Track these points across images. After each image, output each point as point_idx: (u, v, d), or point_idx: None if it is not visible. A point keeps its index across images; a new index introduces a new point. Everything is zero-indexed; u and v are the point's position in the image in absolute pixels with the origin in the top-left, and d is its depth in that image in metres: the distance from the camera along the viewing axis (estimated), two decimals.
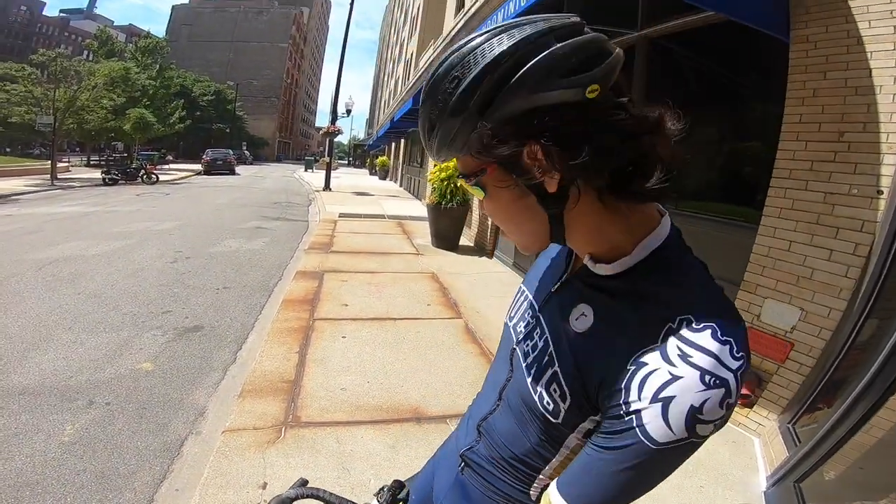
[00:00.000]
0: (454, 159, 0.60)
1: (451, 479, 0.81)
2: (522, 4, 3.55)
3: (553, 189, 0.54)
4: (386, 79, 46.30)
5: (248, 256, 6.89)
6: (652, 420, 0.50)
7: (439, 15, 19.31)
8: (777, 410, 2.90)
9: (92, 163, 29.31)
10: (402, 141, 24.84)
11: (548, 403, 0.62)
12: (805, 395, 2.72)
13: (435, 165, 8.31)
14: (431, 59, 13.02)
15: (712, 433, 0.51)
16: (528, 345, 0.69)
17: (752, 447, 2.86)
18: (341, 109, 22.31)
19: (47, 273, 5.51)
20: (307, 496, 0.85)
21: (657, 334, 0.52)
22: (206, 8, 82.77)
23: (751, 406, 3.03)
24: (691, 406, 0.48)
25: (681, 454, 0.51)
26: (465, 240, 8.92)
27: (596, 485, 0.55)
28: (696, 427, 0.49)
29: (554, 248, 0.76)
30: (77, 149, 39.78)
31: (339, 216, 11.03)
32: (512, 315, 0.78)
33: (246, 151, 47.65)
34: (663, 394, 0.49)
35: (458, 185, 7.90)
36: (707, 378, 0.49)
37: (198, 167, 29.12)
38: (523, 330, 0.72)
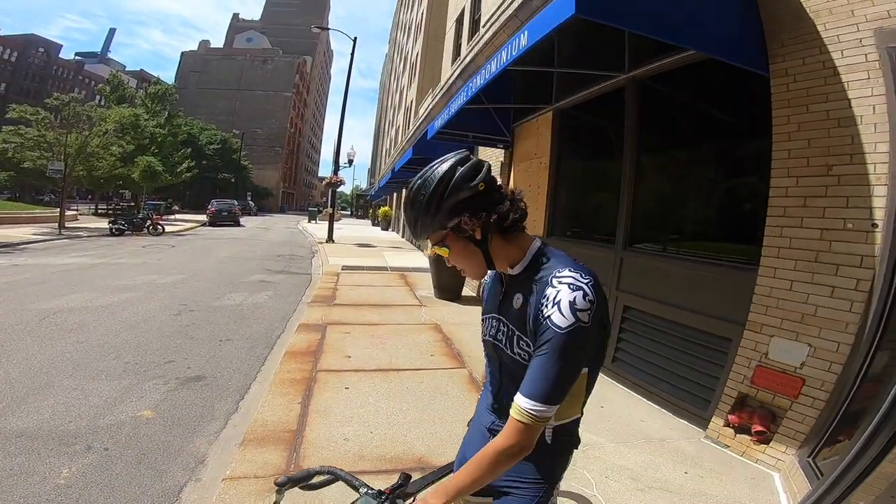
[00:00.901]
0: None
1: (479, 441, 1.19)
2: (514, 54, 3.80)
3: (479, 237, 1.05)
4: (387, 127, 47.55)
5: (251, 309, 7.01)
6: (554, 315, 0.94)
7: (437, 63, 20.23)
8: (795, 445, 2.91)
9: (100, 211, 29.98)
10: (404, 191, 25.36)
11: (522, 355, 1.06)
12: (822, 428, 2.75)
13: None
14: (431, 107, 13.60)
15: (590, 320, 0.93)
16: (501, 335, 1.14)
17: (772, 482, 2.88)
18: (343, 160, 22.96)
19: (51, 323, 5.62)
20: (323, 473, 1.13)
21: (544, 286, 0.99)
22: (214, 56, 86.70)
23: (767, 442, 3.06)
24: (569, 302, 0.93)
25: (578, 335, 0.93)
26: (468, 290, 9.03)
27: (540, 377, 0.95)
28: (577, 314, 0.93)
29: (488, 280, 1.25)
30: (89, 196, 40.39)
31: (342, 269, 11.23)
32: (484, 332, 1.22)
33: (251, 202, 48.52)
34: (555, 300, 0.95)
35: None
36: (572, 287, 0.95)
37: (203, 218, 29.68)
38: (494, 331, 1.16)
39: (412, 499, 1.06)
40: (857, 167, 2.74)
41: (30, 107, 21.52)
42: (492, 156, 8.87)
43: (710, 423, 3.44)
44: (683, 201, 4.51)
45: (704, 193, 4.32)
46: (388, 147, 41.88)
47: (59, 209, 19.61)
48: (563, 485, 1.26)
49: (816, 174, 2.93)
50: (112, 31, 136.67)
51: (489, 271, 1.18)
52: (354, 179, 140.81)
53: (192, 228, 24.36)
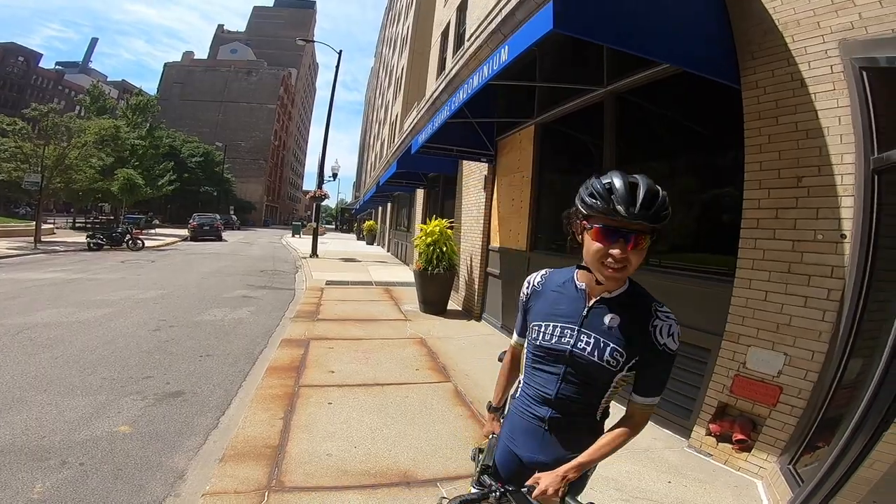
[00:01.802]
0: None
1: (538, 439, 1.42)
2: (495, 68, 3.91)
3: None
4: (372, 140, 47.64)
5: (232, 325, 6.96)
6: (668, 342, 1.26)
7: (422, 77, 20.37)
8: (776, 453, 2.99)
9: (77, 225, 29.36)
10: (389, 205, 25.34)
11: (611, 362, 1.29)
12: (801, 435, 2.84)
13: (421, 230, 8.60)
14: (415, 121, 13.71)
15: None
16: (584, 344, 1.32)
17: (755, 490, 2.95)
18: (328, 173, 22.92)
19: (25, 338, 5.52)
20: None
21: (650, 311, 1.29)
22: (197, 67, 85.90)
23: (749, 450, 3.13)
24: (676, 333, 1.27)
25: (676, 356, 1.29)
26: (454, 304, 9.09)
27: (659, 383, 1.32)
28: (678, 341, 1.27)
29: (549, 289, 1.44)
30: (69, 210, 39.55)
31: (326, 284, 11.19)
32: (550, 337, 1.37)
33: (233, 216, 48.00)
34: (669, 332, 1.26)
35: (444, 250, 8.19)
36: (674, 322, 1.27)
37: (184, 232, 29.29)
38: (573, 339, 1.33)
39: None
40: (825, 178, 2.84)
41: (6, 117, 21.13)
42: (476, 170, 8.98)
43: (693, 432, 3.52)
44: None
45: (683, 205, 4.42)
46: (373, 161, 41.95)
47: (34, 222, 19.22)
48: None
49: (787, 186, 3.03)
50: (94, 41, 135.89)
51: (560, 282, 1.43)
52: (339, 193, 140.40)
53: (172, 243, 24.07)
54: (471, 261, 8.77)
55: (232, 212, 49.99)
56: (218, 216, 31.75)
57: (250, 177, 74.72)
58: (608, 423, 1.43)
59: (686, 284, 3.89)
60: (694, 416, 3.56)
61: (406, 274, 13.27)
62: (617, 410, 1.40)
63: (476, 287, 8.37)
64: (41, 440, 3.19)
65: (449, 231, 8.47)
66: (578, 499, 1.28)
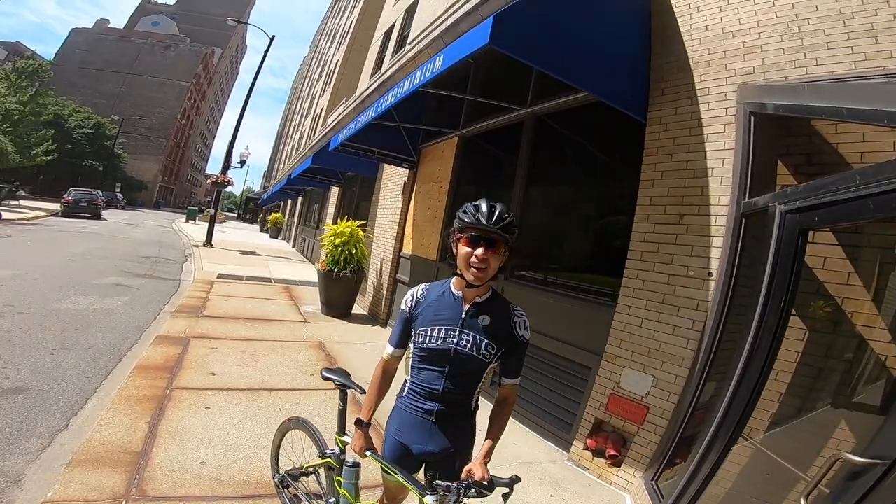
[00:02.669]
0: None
1: (426, 431, 1.71)
2: (427, 76, 3.96)
3: (504, 262, 1.68)
4: (292, 131, 46.11)
5: (98, 316, 6.24)
6: (525, 334, 1.71)
7: (356, 73, 20.09)
8: (641, 468, 3.27)
9: None
10: (300, 199, 24.51)
11: (486, 355, 1.65)
12: (662, 453, 3.12)
13: (331, 229, 8.41)
14: (340, 117, 13.43)
15: None
16: (463, 340, 1.65)
17: None
18: (236, 159, 21.61)
19: None
20: None
21: (511, 312, 1.71)
22: (109, 35, 78.64)
23: (619, 465, 3.40)
24: (529, 326, 1.73)
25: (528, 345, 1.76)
26: (360, 308, 8.96)
27: (518, 366, 1.74)
28: (530, 332, 1.74)
29: (430, 299, 1.75)
30: None
31: (218, 277, 10.47)
32: (435, 339, 1.68)
33: (119, 194, 43.51)
34: (524, 326, 1.71)
35: (353, 252, 8.07)
36: (527, 318, 1.73)
37: (56, 207, 26.07)
38: (455, 338, 1.66)
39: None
40: (702, 217, 3.16)
41: None
42: (396, 174, 8.98)
43: (573, 445, 3.77)
44: (562, 236, 4.95)
45: (581, 228, 4.76)
46: (289, 152, 40.51)
47: None
48: None
49: (670, 222, 3.34)
50: None
51: (439, 293, 1.76)
52: (247, 181, 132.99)
53: (39, 217, 21.25)
54: (381, 266, 8.71)
55: (118, 189, 45.36)
56: (100, 192, 28.62)
57: (146, 154, 68.39)
58: (479, 416, 1.81)
59: (576, 306, 4.18)
60: (574, 430, 3.82)
61: (310, 273, 12.82)
62: (484, 406, 1.78)
63: (385, 292, 8.32)
64: None
65: (361, 233, 8.35)
66: (498, 475, 1.54)
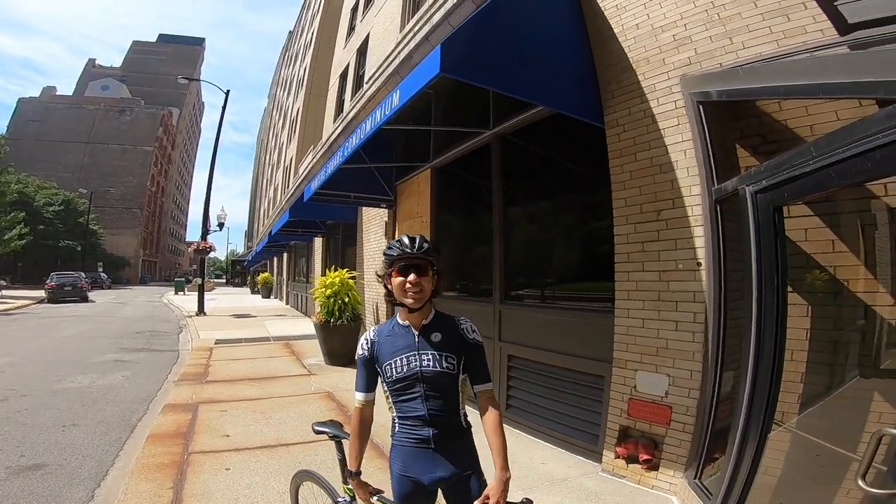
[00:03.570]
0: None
1: (430, 459, 1.75)
2: (387, 113, 4.01)
3: (435, 284, 1.82)
4: (265, 185, 45.81)
5: (102, 392, 6.26)
6: (476, 336, 1.84)
7: (319, 119, 20.05)
8: (680, 469, 3.22)
9: None
10: (285, 255, 24.47)
11: (449, 367, 1.75)
12: (698, 450, 3.09)
13: (320, 281, 8.46)
14: (311, 165, 13.48)
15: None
16: (427, 361, 1.75)
17: None
18: (213, 223, 21.70)
19: None
20: None
21: (456, 322, 1.85)
22: (59, 104, 77.24)
23: (656, 468, 3.35)
24: (475, 328, 1.87)
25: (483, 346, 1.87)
26: None
27: (485, 369, 1.83)
28: (480, 334, 1.87)
29: (383, 336, 1.84)
30: None
31: (216, 343, 10.48)
32: (401, 368, 1.76)
33: (102, 274, 43.15)
34: (472, 330, 1.85)
35: (346, 301, 8.12)
36: (471, 322, 1.88)
37: (41, 294, 25.86)
38: (416, 361, 1.75)
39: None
40: (678, 210, 3.25)
41: None
42: (376, 216, 9.08)
43: (603, 456, 3.73)
44: (550, 250, 5.01)
45: (568, 240, 4.82)
46: (266, 208, 40.46)
47: None
48: None
49: (649, 220, 3.42)
50: None
51: (389, 329, 1.86)
52: (229, 244, 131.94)
53: (25, 306, 21.12)
54: (377, 309, 8.76)
55: (100, 269, 44.99)
56: (83, 274, 28.49)
57: (123, 228, 67.58)
58: (475, 431, 1.86)
59: (577, 317, 4.24)
60: (601, 440, 3.80)
61: (308, 326, 12.74)
62: (474, 417, 1.80)
63: None
64: None
65: (350, 281, 8.45)
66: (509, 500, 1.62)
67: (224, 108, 20.45)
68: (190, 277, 38.21)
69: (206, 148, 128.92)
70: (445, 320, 1.85)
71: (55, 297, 24.23)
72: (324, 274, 8.69)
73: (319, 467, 3.78)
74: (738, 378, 2.68)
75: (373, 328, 1.92)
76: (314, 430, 2.20)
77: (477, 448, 1.84)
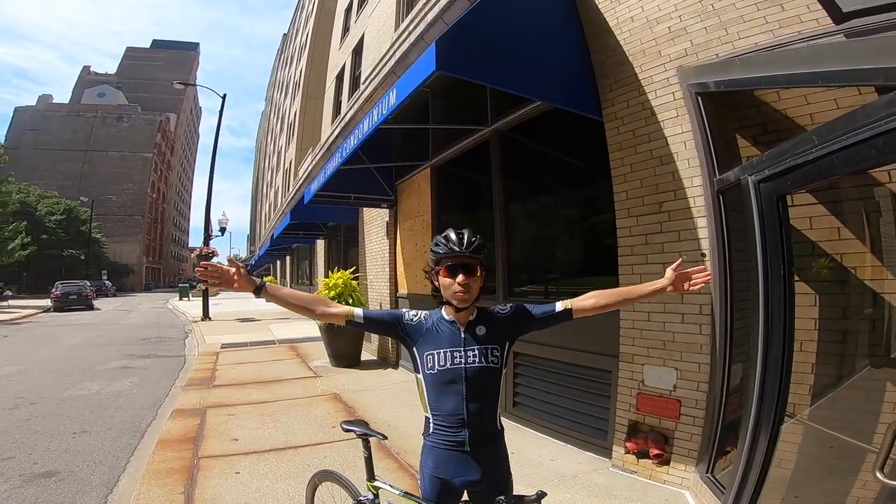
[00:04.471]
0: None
1: (464, 462, 1.69)
2: (384, 112, 4.01)
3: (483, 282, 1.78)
4: (265, 189, 46.04)
5: (111, 398, 6.32)
6: (508, 308, 1.82)
7: (317, 121, 20.16)
8: (692, 463, 3.21)
9: None
10: (288, 258, 24.57)
11: (494, 360, 1.71)
12: (709, 444, 3.08)
13: (323, 284, 8.49)
14: (310, 167, 13.41)
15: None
16: (472, 356, 1.69)
17: (685, 500, 3.15)
18: (215, 227, 21.67)
19: None
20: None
21: (495, 313, 1.81)
22: (56, 112, 77.14)
23: (667, 462, 3.34)
24: (504, 306, 1.84)
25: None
26: (368, 354, 8.98)
27: (544, 304, 1.85)
28: (509, 305, 1.85)
29: (427, 325, 1.77)
30: None
31: (222, 347, 10.55)
32: (443, 363, 1.70)
33: (107, 282, 43.37)
34: (501, 308, 1.83)
35: (350, 302, 8.14)
36: (498, 306, 1.83)
37: (46, 303, 26.04)
38: (461, 357, 1.69)
39: None
40: (680, 202, 3.24)
41: None
42: (377, 216, 9.09)
43: (613, 451, 3.73)
44: (552, 245, 5.01)
45: (570, 235, 4.82)
46: (267, 211, 40.58)
47: None
48: None
49: (651, 212, 3.41)
50: None
51: (435, 321, 1.79)
52: (232, 248, 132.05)
53: (31, 316, 21.33)
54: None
55: (105, 277, 45.21)
56: (88, 283, 28.66)
57: (125, 235, 67.70)
58: (506, 437, 1.84)
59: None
60: (610, 436, 3.79)
61: (313, 329, 12.75)
62: (508, 426, 1.73)
63: None
64: None
65: (353, 282, 8.47)
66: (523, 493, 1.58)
67: (221, 111, 20.53)
68: (193, 283, 38.26)
69: (206, 153, 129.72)
70: (487, 314, 1.79)
71: (61, 305, 24.43)
72: (327, 276, 8.71)
73: (329, 467, 3.80)
74: (748, 370, 2.67)
75: (424, 311, 1.85)
76: (342, 429, 2.19)
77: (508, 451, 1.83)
